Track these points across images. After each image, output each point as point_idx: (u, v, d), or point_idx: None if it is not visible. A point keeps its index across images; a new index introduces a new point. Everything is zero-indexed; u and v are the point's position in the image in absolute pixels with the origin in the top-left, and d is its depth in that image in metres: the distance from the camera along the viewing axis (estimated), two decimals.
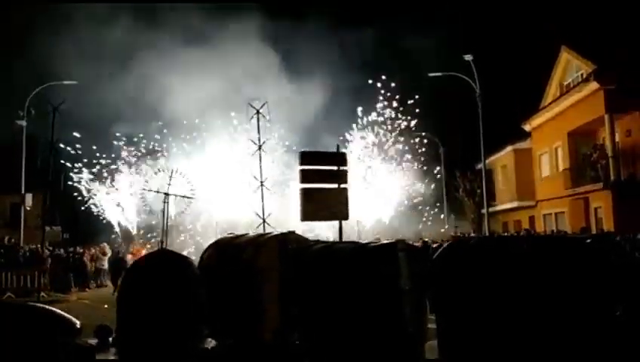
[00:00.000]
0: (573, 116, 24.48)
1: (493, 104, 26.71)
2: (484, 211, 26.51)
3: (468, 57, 24.25)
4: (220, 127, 30.30)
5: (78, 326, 2.81)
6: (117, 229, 31.38)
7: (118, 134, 30.46)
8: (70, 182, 30.87)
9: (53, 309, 2.64)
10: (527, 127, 29.88)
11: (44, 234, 21.87)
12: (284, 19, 31.89)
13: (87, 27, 32.19)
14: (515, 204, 30.51)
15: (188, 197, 19.20)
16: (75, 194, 31.58)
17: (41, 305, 2.64)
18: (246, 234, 6.37)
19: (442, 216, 35.69)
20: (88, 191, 31.47)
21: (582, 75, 24.84)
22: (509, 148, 31.30)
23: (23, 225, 25.39)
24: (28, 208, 25.97)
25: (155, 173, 25.37)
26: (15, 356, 2.52)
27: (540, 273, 3.34)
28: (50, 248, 22.79)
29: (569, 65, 26.86)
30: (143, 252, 26.67)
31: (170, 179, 19.62)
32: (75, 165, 30.56)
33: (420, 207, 35.84)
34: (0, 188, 25.44)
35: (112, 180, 30.69)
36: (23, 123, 24.71)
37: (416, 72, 35.01)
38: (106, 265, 25.24)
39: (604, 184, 21.81)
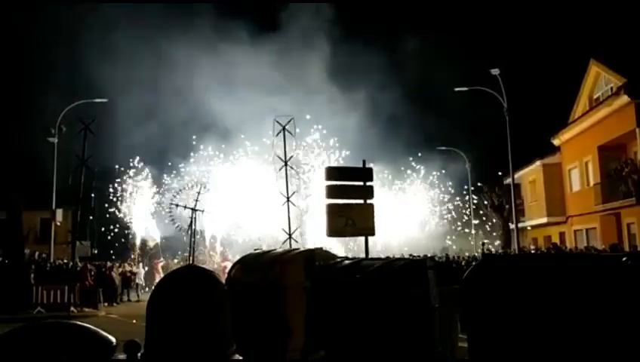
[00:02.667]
0: (604, 130, 24.04)
1: (521, 118, 26.44)
2: (512, 227, 26.08)
3: (495, 71, 24.02)
4: (253, 143, 30.81)
5: (114, 343, 2.82)
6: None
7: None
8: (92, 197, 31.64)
9: (90, 326, 2.64)
10: (556, 142, 29.43)
11: (75, 249, 22.16)
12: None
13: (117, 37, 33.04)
14: (544, 220, 29.94)
15: (194, 210, 19.44)
16: (108, 210, 32.34)
17: (78, 323, 2.65)
18: (273, 250, 6.36)
19: (468, 231, 35.37)
20: (118, 208, 32.22)
21: (612, 88, 24.43)
22: (538, 163, 30.80)
23: (53, 241, 25.79)
24: (58, 223, 26.38)
25: (180, 192, 25.78)
26: None
27: (574, 292, 3.25)
28: (80, 263, 23.08)
29: (598, 79, 26.46)
30: (160, 266, 27.12)
31: (199, 195, 19.88)
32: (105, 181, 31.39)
33: (445, 221, 35.62)
34: (31, 204, 25.88)
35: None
36: (54, 140, 25.20)
37: (442, 86, 35.04)
38: (137, 280, 25.82)
39: (636, 199, 21.30)
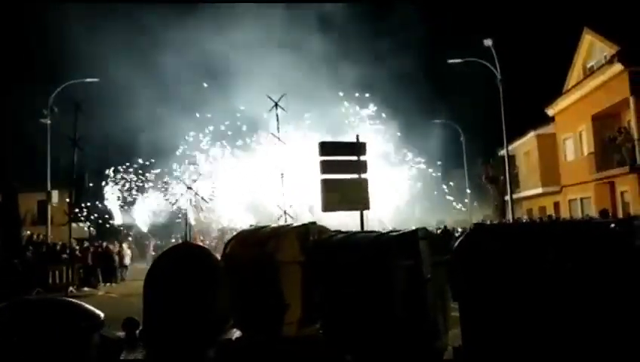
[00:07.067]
0: (598, 99, 24.03)
1: (514, 89, 26.34)
2: (507, 198, 26.24)
3: (487, 42, 23.85)
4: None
5: (102, 318, 2.87)
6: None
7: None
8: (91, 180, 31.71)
9: (76, 301, 2.70)
10: (550, 112, 29.42)
11: (71, 230, 22.19)
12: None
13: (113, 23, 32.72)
14: (539, 190, 30.10)
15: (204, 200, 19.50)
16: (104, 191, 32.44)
17: (64, 298, 2.70)
18: (267, 226, 6.40)
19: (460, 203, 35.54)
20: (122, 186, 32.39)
21: (605, 56, 24.35)
22: (532, 134, 30.85)
23: (50, 222, 25.84)
24: (54, 205, 26.39)
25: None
26: (39, 349, 2.59)
27: (562, 258, 3.31)
28: (78, 245, 23.17)
29: (592, 47, 26.34)
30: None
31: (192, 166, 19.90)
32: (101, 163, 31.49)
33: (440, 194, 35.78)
34: (27, 185, 25.82)
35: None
36: (47, 121, 25.06)
37: (436, 59, 34.87)
38: (127, 261, 25.81)
39: (630, 168, 21.41)
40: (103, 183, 33.01)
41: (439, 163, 36.22)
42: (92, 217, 33.23)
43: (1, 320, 2.58)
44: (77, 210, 29.28)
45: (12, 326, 2.57)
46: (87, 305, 2.78)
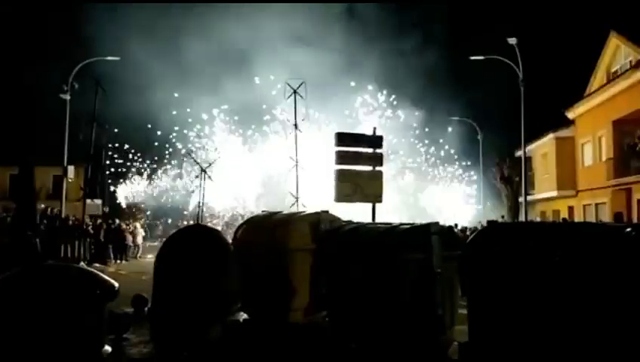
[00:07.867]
0: (620, 104, 23.67)
1: (536, 90, 26.02)
2: (521, 199, 26.02)
3: (512, 41, 23.54)
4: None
5: (117, 287, 2.90)
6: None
7: None
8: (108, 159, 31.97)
9: (92, 270, 2.74)
10: (570, 115, 29.03)
11: (85, 205, 22.36)
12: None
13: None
14: (554, 193, 29.79)
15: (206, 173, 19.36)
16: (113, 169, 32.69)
17: (81, 267, 2.76)
18: (279, 212, 6.40)
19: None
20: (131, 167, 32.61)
21: (631, 62, 23.95)
22: (551, 136, 30.48)
23: (65, 197, 26.04)
24: (70, 180, 26.58)
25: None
26: (55, 313, 2.62)
27: (575, 261, 3.27)
28: (91, 222, 23.35)
29: (618, 52, 25.90)
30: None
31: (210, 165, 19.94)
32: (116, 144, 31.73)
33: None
34: (44, 160, 26.03)
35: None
36: (67, 97, 25.19)
37: (457, 55, 34.56)
38: (140, 240, 25.96)
39: None
40: (120, 161, 33.30)
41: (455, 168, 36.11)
42: (106, 194, 33.53)
43: (19, 284, 2.61)
44: (92, 187, 29.52)
45: (30, 290, 2.60)
46: (102, 274, 2.81)
